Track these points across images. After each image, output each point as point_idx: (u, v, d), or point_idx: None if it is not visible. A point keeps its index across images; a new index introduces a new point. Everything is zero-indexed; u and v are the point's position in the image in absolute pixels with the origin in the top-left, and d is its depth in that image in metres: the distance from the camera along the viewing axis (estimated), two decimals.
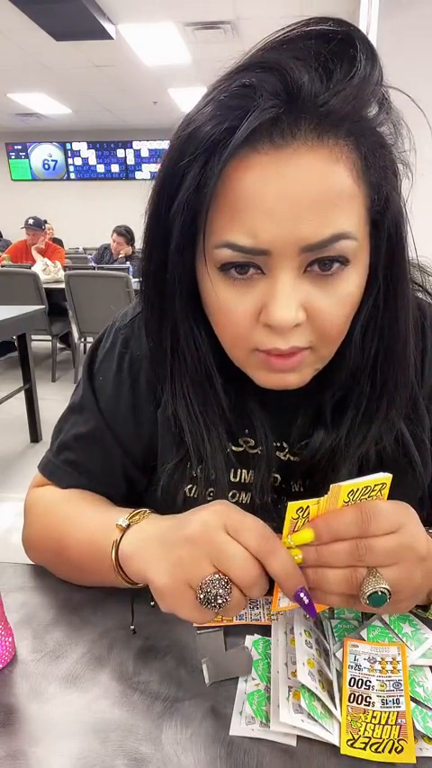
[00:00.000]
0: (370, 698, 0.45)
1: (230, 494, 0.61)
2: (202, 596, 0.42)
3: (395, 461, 0.58)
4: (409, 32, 2.39)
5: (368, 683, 0.46)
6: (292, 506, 0.43)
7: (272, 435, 0.60)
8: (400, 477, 0.58)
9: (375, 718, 0.43)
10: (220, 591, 0.42)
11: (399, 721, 0.43)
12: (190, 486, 0.61)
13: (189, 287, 0.50)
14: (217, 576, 0.42)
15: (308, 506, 0.43)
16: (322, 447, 0.56)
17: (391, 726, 0.43)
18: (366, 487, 0.43)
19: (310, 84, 0.40)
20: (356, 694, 0.45)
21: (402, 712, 0.43)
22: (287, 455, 0.61)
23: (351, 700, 0.45)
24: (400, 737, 0.42)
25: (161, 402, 0.62)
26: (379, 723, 0.43)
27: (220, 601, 0.42)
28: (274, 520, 0.59)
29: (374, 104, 0.44)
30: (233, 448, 0.60)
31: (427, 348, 0.60)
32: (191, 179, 0.43)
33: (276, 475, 0.61)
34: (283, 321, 0.44)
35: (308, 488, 0.60)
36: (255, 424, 0.59)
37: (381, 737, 0.42)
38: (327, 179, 0.42)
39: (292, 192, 0.41)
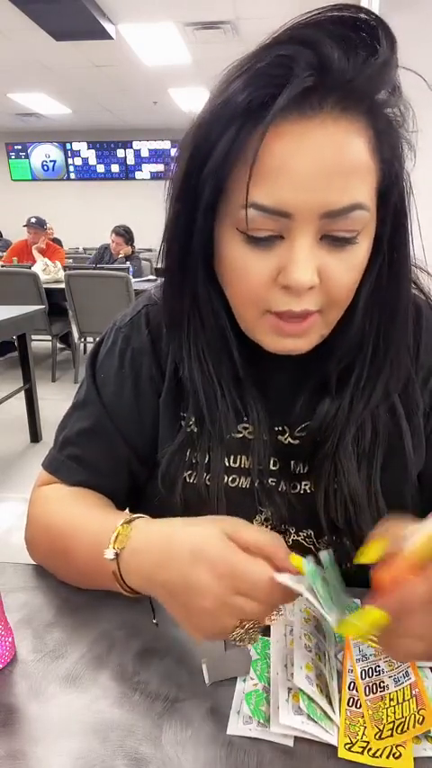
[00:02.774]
0: (383, 682, 0.45)
1: (230, 478, 0.62)
2: (238, 641, 0.45)
3: (390, 444, 0.59)
4: (409, 32, 2.39)
5: (378, 669, 0.47)
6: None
7: (271, 419, 0.61)
8: (390, 460, 0.60)
9: (393, 699, 0.44)
10: (253, 633, 0.45)
11: (413, 692, 0.44)
12: (189, 472, 0.62)
13: (209, 253, 0.53)
14: (244, 627, 0.44)
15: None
16: (327, 416, 0.58)
17: (409, 700, 0.43)
18: (428, 540, 0.39)
19: (339, 60, 0.43)
20: (371, 684, 0.46)
21: (414, 682, 0.44)
22: (288, 438, 0.62)
23: (350, 703, 0.45)
24: (420, 707, 0.43)
25: (162, 392, 0.64)
26: (398, 703, 0.44)
27: (254, 640, 0.45)
28: (274, 503, 0.61)
29: (389, 88, 0.47)
30: (233, 434, 0.61)
31: (420, 335, 0.62)
32: (225, 144, 0.45)
33: (275, 458, 0.62)
34: (300, 282, 0.47)
35: (310, 468, 0.61)
36: (250, 407, 0.60)
37: (403, 716, 0.43)
38: (348, 150, 0.45)
39: (317, 160, 0.44)
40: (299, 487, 0.61)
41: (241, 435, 0.62)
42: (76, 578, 0.60)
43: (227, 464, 0.62)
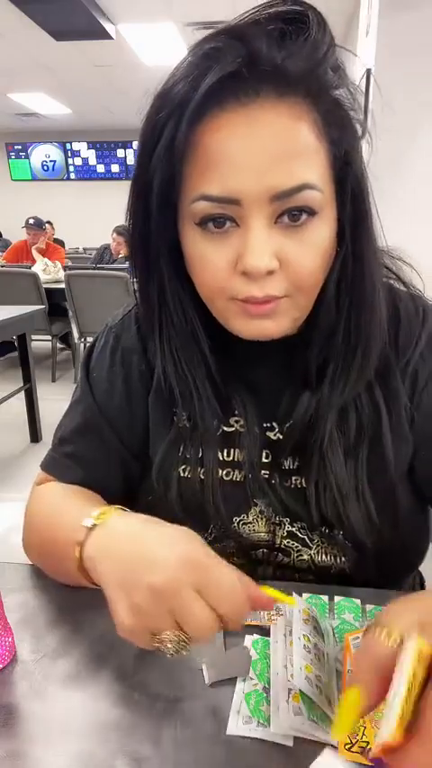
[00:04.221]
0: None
1: (224, 472, 0.63)
2: (157, 645, 0.41)
3: (371, 424, 0.60)
4: (409, 32, 2.39)
5: None
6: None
7: (258, 415, 0.62)
8: (372, 452, 0.60)
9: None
10: (178, 648, 0.41)
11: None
12: (183, 466, 0.62)
13: (172, 246, 0.54)
14: (177, 634, 0.40)
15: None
16: (309, 410, 0.59)
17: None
18: (414, 676, 0.32)
19: (268, 49, 0.45)
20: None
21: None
22: (277, 434, 0.63)
23: None
24: None
25: (151, 390, 0.65)
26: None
27: (174, 655, 0.41)
28: (267, 495, 0.62)
29: (329, 69, 0.48)
30: (224, 428, 0.62)
31: (399, 324, 0.62)
32: (166, 135, 0.46)
33: (266, 451, 0.63)
34: (256, 267, 0.47)
35: (300, 463, 0.61)
36: (237, 402, 0.61)
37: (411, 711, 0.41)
38: (290, 134, 0.46)
39: (259, 145, 0.45)
40: (290, 482, 0.62)
41: (233, 428, 0.63)
42: (55, 568, 0.59)
43: (220, 458, 0.62)
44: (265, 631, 0.53)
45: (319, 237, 0.49)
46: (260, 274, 0.48)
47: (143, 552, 0.43)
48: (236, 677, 0.48)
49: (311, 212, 0.48)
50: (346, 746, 0.42)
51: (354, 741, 0.42)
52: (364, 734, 0.42)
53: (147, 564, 0.42)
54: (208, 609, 0.40)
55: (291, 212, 0.48)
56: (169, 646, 0.41)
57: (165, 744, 0.42)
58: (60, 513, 0.60)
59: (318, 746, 0.42)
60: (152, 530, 0.46)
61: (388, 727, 0.32)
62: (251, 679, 0.48)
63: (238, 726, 0.44)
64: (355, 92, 0.51)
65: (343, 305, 0.56)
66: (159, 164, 0.48)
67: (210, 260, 0.50)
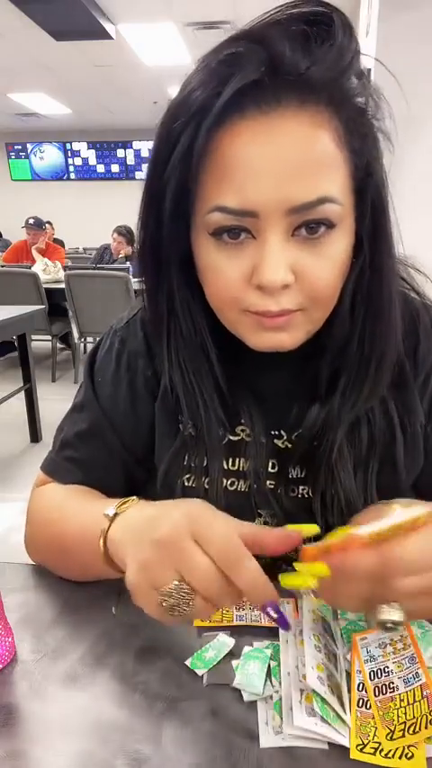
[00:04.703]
0: (393, 683, 0.45)
1: (229, 482, 0.62)
2: (163, 603, 0.41)
3: (383, 449, 0.59)
4: (409, 32, 2.39)
5: (387, 670, 0.46)
6: (309, 549, 0.42)
7: (266, 423, 0.61)
8: (383, 465, 0.59)
9: (403, 700, 0.44)
10: (181, 601, 0.41)
11: (424, 693, 0.43)
12: (188, 476, 0.62)
13: (183, 255, 0.52)
14: (178, 585, 0.41)
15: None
16: (318, 419, 0.57)
17: (420, 701, 0.43)
18: (397, 527, 0.40)
19: (291, 54, 0.43)
20: (380, 685, 0.45)
21: (425, 683, 0.44)
22: (285, 442, 0.62)
23: (360, 704, 0.45)
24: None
25: (158, 395, 0.64)
26: (409, 704, 0.43)
27: (179, 610, 0.41)
28: (272, 507, 0.61)
29: (353, 76, 0.46)
30: (230, 437, 0.61)
31: (418, 339, 0.61)
32: (183, 143, 0.45)
33: (273, 460, 0.62)
34: (272, 281, 0.46)
35: (307, 472, 0.60)
36: (243, 412, 0.60)
37: (414, 717, 0.42)
38: (310, 143, 0.44)
39: (279, 156, 0.44)
40: (297, 492, 0.61)
41: (239, 437, 0.61)
42: (70, 563, 0.60)
43: (225, 467, 0.61)
44: (274, 633, 0.52)
45: (336, 250, 0.48)
46: (276, 289, 0.47)
47: (153, 514, 0.45)
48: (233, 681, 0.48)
49: (330, 225, 0.46)
50: (358, 747, 0.42)
51: (366, 742, 0.42)
52: (375, 734, 0.42)
53: (154, 522, 0.43)
54: (207, 558, 0.41)
55: (308, 225, 0.46)
56: (172, 598, 0.41)
57: (165, 744, 0.42)
58: (70, 510, 0.60)
59: (330, 749, 0.42)
60: (168, 502, 0.47)
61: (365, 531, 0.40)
62: (272, 686, 0.47)
63: (270, 737, 0.43)
64: (380, 100, 0.49)
65: (358, 316, 0.54)
66: (174, 171, 0.46)
67: (223, 272, 0.49)
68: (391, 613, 0.39)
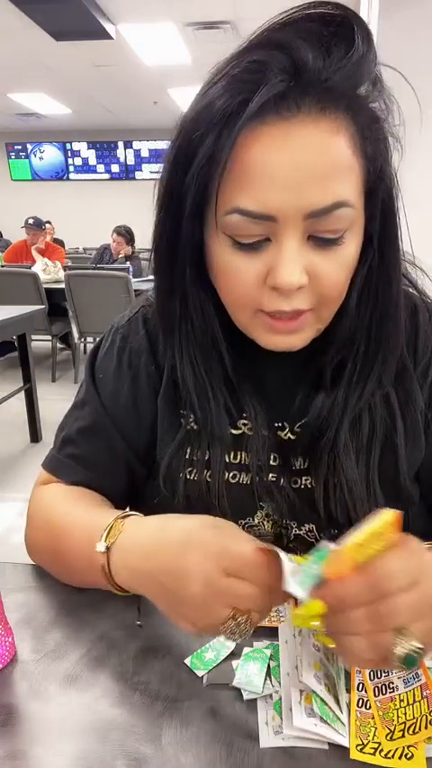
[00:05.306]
0: (392, 683, 0.45)
1: (231, 475, 0.62)
2: (229, 634, 0.43)
3: (384, 437, 0.60)
4: (409, 32, 2.39)
5: (387, 670, 0.46)
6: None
7: (269, 416, 0.61)
8: (385, 453, 0.60)
9: (403, 701, 0.44)
10: (246, 627, 0.43)
11: (424, 694, 0.44)
12: (190, 469, 0.62)
13: (198, 254, 0.53)
14: (238, 618, 0.42)
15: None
16: (322, 411, 0.58)
17: (419, 702, 0.43)
18: (373, 534, 0.39)
19: (314, 61, 0.44)
20: (380, 685, 0.46)
21: (425, 683, 0.44)
22: (288, 434, 0.62)
23: (359, 704, 0.45)
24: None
25: (160, 391, 0.64)
26: (409, 704, 0.43)
27: (247, 634, 0.43)
28: (275, 499, 0.61)
29: (369, 82, 0.47)
30: (232, 430, 0.62)
31: (417, 331, 0.63)
32: (205, 149, 0.46)
33: (275, 454, 0.62)
34: (288, 283, 0.47)
35: (310, 463, 0.61)
36: (247, 405, 0.61)
37: (414, 717, 0.42)
38: (329, 149, 0.45)
39: (298, 161, 0.44)
40: (299, 482, 0.62)
41: (241, 431, 0.62)
42: (70, 576, 0.60)
43: (227, 460, 0.62)
44: (274, 634, 0.52)
45: (348, 252, 0.50)
46: (291, 290, 0.48)
47: (168, 568, 0.45)
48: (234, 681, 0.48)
49: (344, 228, 0.48)
50: (358, 747, 0.42)
51: (366, 742, 0.42)
52: (375, 735, 0.42)
53: (176, 579, 0.44)
54: (246, 584, 0.42)
55: (324, 232, 0.47)
56: (237, 630, 0.43)
57: (165, 744, 0.43)
58: (71, 520, 0.60)
59: (330, 749, 0.42)
60: (166, 537, 0.47)
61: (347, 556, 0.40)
62: (272, 687, 0.48)
63: (269, 737, 0.43)
64: (391, 104, 0.50)
65: (365, 312, 0.56)
66: (196, 176, 0.47)
67: (239, 272, 0.50)
68: (407, 642, 0.37)
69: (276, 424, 0.63)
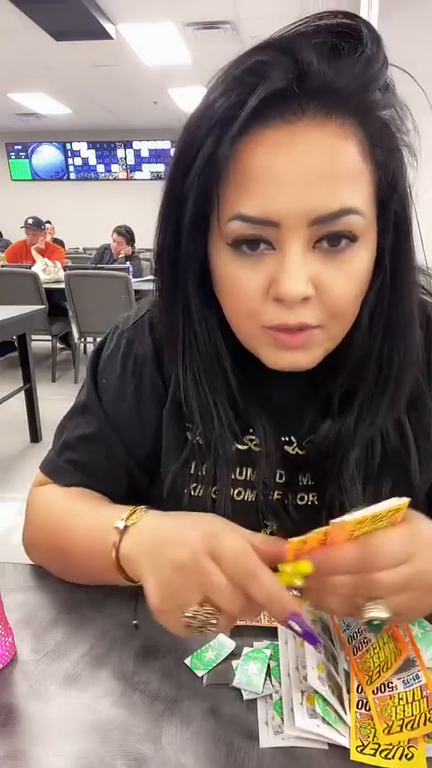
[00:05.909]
0: (392, 683, 0.45)
1: (236, 491, 0.61)
2: (189, 623, 0.42)
3: (397, 457, 0.58)
4: (409, 32, 2.39)
5: (366, 640, 0.47)
6: (292, 544, 0.42)
7: (277, 431, 0.60)
8: (397, 482, 0.58)
9: (402, 699, 0.44)
10: (209, 621, 0.41)
11: (424, 693, 0.44)
12: (194, 485, 0.61)
13: (201, 268, 0.52)
14: (205, 607, 0.41)
15: (309, 539, 0.42)
16: (330, 434, 0.57)
17: (419, 700, 0.43)
18: (375, 516, 0.40)
19: (318, 63, 0.42)
20: (380, 685, 0.46)
21: (425, 684, 0.44)
22: (295, 449, 0.61)
23: (359, 706, 0.45)
24: (431, 708, 0.43)
25: (166, 402, 0.63)
26: (408, 702, 0.43)
27: (207, 629, 0.42)
28: (280, 517, 0.60)
29: (380, 87, 0.46)
30: (238, 446, 0.60)
31: (431, 346, 0.60)
32: (205, 151, 0.44)
33: (281, 471, 0.61)
34: (291, 293, 0.45)
35: (316, 480, 0.60)
36: (255, 422, 0.59)
37: (413, 715, 0.43)
38: (335, 154, 0.43)
39: (302, 165, 0.43)
40: (306, 498, 0.61)
41: (247, 447, 0.61)
42: (73, 566, 0.60)
43: (232, 476, 0.60)
44: (274, 634, 0.52)
45: (358, 264, 0.47)
46: (295, 301, 0.45)
47: (168, 535, 0.46)
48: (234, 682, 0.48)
49: (352, 238, 0.45)
50: (358, 748, 0.42)
51: (366, 743, 0.42)
52: (375, 736, 0.42)
53: (171, 544, 0.44)
54: (224, 576, 0.41)
55: (330, 237, 0.45)
56: (198, 619, 0.41)
57: (165, 744, 0.42)
58: (74, 515, 0.60)
59: (330, 750, 0.42)
60: (179, 517, 0.48)
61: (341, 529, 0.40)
62: (273, 686, 0.47)
63: (269, 737, 0.43)
64: (404, 113, 0.48)
65: (377, 332, 0.53)
66: (196, 180, 0.45)
67: (241, 283, 0.47)
68: (376, 610, 0.40)
69: (284, 438, 0.61)
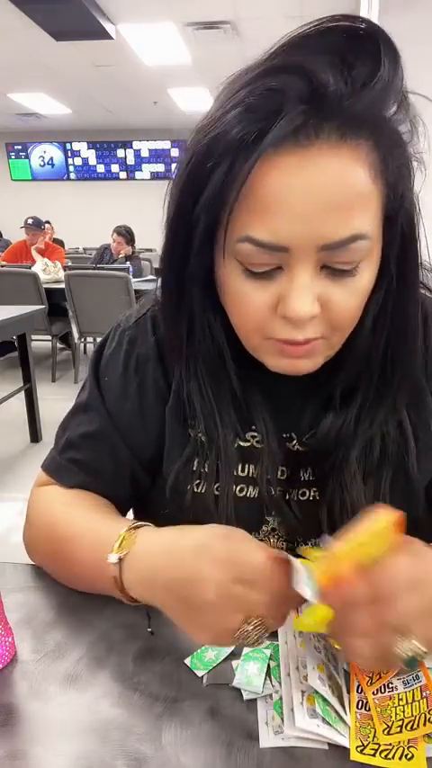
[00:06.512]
0: (392, 683, 0.45)
1: (238, 488, 0.61)
2: (243, 641, 0.43)
3: (397, 455, 0.59)
4: (409, 32, 2.39)
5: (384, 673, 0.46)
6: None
7: (278, 427, 0.60)
8: (397, 477, 0.59)
9: (402, 699, 0.44)
10: (262, 633, 0.43)
11: (424, 694, 0.44)
12: (197, 482, 0.61)
13: (207, 277, 0.52)
14: (252, 623, 0.42)
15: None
16: (330, 432, 0.57)
17: (419, 701, 0.43)
18: (375, 534, 0.40)
19: (335, 85, 0.41)
20: (380, 686, 0.46)
21: (424, 685, 0.44)
22: (296, 445, 0.61)
23: (359, 706, 0.45)
24: (431, 708, 0.43)
25: (169, 400, 0.63)
26: (407, 703, 0.44)
27: (260, 641, 0.44)
28: (281, 513, 0.60)
29: (395, 102, 0.45)
30: (240, 443, 0.60)
31: (429, 341, 0.61)
32: (218, 177, 0.44)
33: (283, 467, 0.61)
34: (300, 314, 0.46)
35: (317, 476, 0.60)
36: (257, 418, 0.59)
37: (413, 715, 0.43)
38: (347, 180, 0.43)
39: (314, 192, 0.43)
40: (308, 494, 0.61)
41: (249, 444, 0.61)
42: (76, 582, 0.60)
43: (234, 473, 0.60)
44: (273, 634, 0.52)
45: (363, 281, 0.48)
46: (303, 321, 0.47)
47: (181, 578, 0.45)
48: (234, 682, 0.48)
49: (359, 260, 0.46)
50: (358, 749, 0.42)
51: (366, 743, 0.42)
52: (375, 736, 0.42)
53: (190, 588, 0.44)
54: (258, 591, 0.42)
55: (336, 269, 0.46)
56: (250, 636, 0.43)
57: (165, 744, 0.43)
58: (73, 525, 0.59)
59: (330, 750, 0.42)
60: (179, 548, 0.47)
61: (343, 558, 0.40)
62: (272, 686, 0.48)
63: (269, 737, 0.43)
64: (416, 124, 0.47)
65: (379, 337, 0.54)
66: (207, 205, 0.45)
67: (250, 300, 0.48)
68: (410, 644, 0.39)
69: (284, 435, 0.61)
